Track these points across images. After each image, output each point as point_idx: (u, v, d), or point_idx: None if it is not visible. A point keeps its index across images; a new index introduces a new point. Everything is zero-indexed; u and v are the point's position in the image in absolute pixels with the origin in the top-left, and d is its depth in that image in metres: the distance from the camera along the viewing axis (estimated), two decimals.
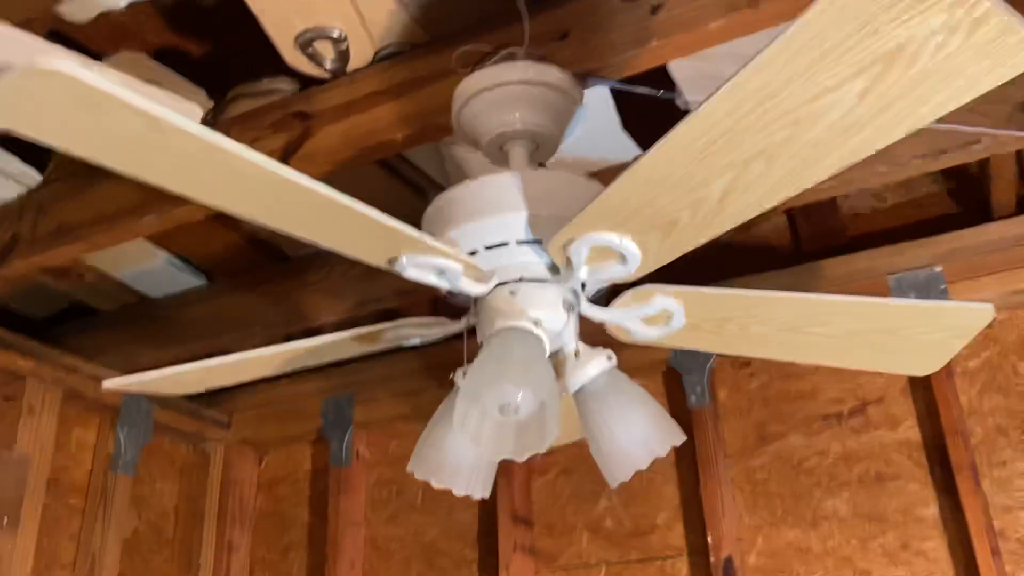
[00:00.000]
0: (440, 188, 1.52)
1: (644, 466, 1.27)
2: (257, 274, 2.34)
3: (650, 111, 1.68)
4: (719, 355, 2.21)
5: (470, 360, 1.27)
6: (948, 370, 1.98)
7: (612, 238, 1.14)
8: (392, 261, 1.17)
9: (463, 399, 1.12)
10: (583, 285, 1.31)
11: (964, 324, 1.40)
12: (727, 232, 1.11)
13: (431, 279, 1.22)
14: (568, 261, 1.20)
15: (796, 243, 2.36)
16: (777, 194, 1.04)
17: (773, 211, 1.81)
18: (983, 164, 1.95)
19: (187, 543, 2.64)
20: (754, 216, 1.08)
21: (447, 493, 1.31)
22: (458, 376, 1.27)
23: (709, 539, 2.10)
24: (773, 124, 0.92)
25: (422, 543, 2.49)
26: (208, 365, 1.47)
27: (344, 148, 1.59)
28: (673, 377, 2.30)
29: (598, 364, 1.29)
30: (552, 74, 1.40)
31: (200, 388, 1.61)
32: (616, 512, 2.28)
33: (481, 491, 1.31)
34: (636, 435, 1.27)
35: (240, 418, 2.78)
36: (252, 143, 1.59)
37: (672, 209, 1.07)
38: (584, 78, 1.43)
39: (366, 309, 2.18)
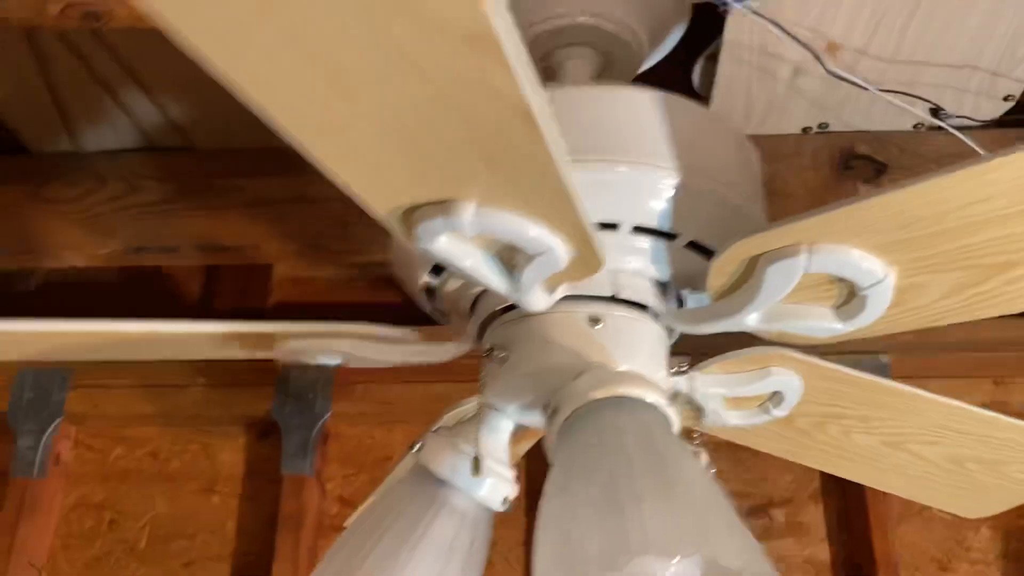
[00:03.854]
0: None
1: None
2: None
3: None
4: None
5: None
6: None
7: (874, 268, 0.58)
8: (420, 216, 0.52)
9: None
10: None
11: None
12: None
13: (466, 264, 0.58)
14: (740, 286, 0.62)
15: None
16: None
17: None
18: None
19: None
20: None
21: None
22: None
23: None
24: None
25: None
26: None
27: None
28: None
29: None
30: None
31: None
32: None
33: None
34: None
35: None
36: None
37: None
38: None
39: (146, 257, 1.41)
